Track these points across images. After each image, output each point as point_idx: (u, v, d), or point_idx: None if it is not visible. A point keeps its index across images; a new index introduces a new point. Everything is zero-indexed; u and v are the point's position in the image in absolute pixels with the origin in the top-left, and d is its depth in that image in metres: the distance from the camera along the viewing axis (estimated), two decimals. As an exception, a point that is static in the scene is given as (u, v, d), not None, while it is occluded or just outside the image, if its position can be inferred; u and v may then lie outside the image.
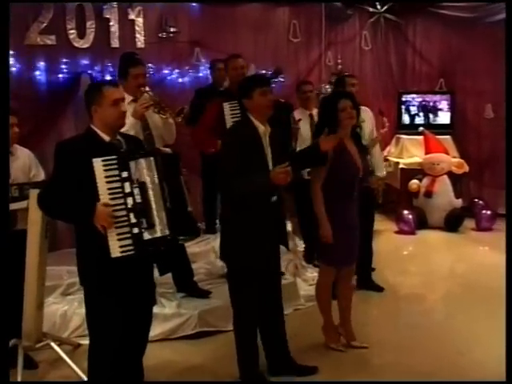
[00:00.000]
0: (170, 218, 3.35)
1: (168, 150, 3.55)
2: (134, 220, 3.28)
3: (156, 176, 3.36)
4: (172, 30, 7.07)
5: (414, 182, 8.48)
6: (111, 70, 6.52)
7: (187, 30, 7.32)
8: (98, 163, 3.22)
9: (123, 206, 3.27)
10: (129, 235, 3.27)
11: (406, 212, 8.21)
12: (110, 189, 3.25)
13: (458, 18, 8.77)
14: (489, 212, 8.36)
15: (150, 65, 6.71)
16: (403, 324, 5.24)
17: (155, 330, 4.77)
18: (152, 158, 3.38)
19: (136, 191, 3.29)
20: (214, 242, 6.28)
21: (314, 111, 6.06)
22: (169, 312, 4.94)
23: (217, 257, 6.06)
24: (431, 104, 9.13)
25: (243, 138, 3.84)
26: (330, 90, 7.59)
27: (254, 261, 3.91)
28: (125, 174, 3.28)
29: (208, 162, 6.37)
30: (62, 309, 4.96)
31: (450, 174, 8.48)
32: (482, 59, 8.88)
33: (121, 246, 3.25)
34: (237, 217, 3.89)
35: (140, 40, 6.87)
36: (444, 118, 9.11)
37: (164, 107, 4.88)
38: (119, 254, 3.24)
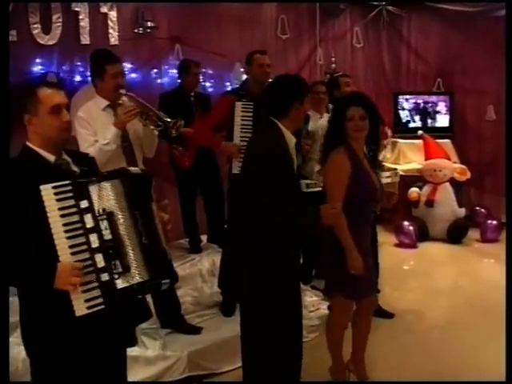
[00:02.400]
0: (147, 258, 2.55)
1: (136, 169, 2.73)
2: (102, 264, 2.46)
3: (125, 204, 2.56)
4: (149, 24, 6.34)
5: (414, 191, 7.87)
6: (81, 69, 5.80)
7: (166, 25, 6.60)
8: (47, 191, 2.43)
9: (85, 247, 2.47)
10: (96, 284, 2.47)
11: (406, 223, 7.57)
12: (66, 224, 2.44)
13: (458, 12, 8.16)
14: (494, 222, 7.79)
15: (124, 64, 6.03)
16: (414, 354, 4.67)
17: (136, 375, 4.07)
18: (118, 181, 2.58)
19: (103, 225, 2.49)
20: (200, 263, 5.57)
21: (325, 116, 5.41)
22: (152, 354, 4.18)
23: (204, 281, 5.39)
24: (428, 106, 8.52)
25: (279, 155, 3.14)
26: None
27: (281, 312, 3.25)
28: (84, 204, 2.48)
29: (183, 173, 5.79)
30: (25, 352, 4.16)
31: (452, 181, 7.88)
32: (483, 57, 8.34)
33: (87, 300, 2.44)
34: (264, 258, 3.19)
35: (114, 36, 6.16)
36: (442, 120, 8.51)
37: (151, 116, 4.14)
38: (86, 311, 2.43)
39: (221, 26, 7.08)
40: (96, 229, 2.48)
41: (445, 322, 5.50)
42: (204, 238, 6.13)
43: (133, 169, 2.71)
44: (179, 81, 6.07)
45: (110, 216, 2.51)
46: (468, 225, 7.79)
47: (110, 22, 6.13)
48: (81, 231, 2.47)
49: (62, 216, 2.44)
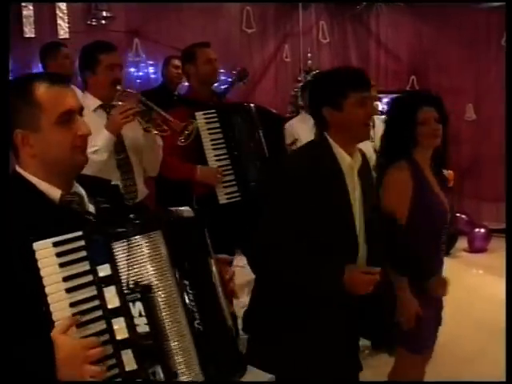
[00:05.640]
0: (204, 352, 1.62)
1: (188, 209, 1.72)
2: (132, 365, 1.52)
3: (169, 269, 1.62)
4: (104, 15, 5.70)
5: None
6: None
7: (123, 16, 5.96)
8: (44, 250, 1.51)
9: (106, 337, 1.53)
10: None
11: (390, 235, 6.94)
12: (74, 304, 1.51)
13: (430, 4, 7.65)
14: (482, 230, 7.26)
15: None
16: None
17: None
18: (159, 233, 1.63)
19: (136, 308, 1.55)
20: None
21: None
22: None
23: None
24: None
25: (317, 179, 2.29)
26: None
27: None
28: (105, 271, 1.55)
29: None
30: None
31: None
32: (461, 53, 7.81)
33: None
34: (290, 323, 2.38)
35: (63, 28, 5.55)
36: (418, 121, 7.97)
37: (156, 119, 3.24)
38: None
39: (183, 19, 6.43)
40: (123, 311, 1.54)
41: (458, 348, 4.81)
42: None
43: (177, 209, 1.72)
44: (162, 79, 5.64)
45: (145, 292, 1.56)
46: (457, 234, 7.23)
47: (58, 12, 5.51)
48: (98, 313, 1.54)
49: (69, 291, 1.51)
